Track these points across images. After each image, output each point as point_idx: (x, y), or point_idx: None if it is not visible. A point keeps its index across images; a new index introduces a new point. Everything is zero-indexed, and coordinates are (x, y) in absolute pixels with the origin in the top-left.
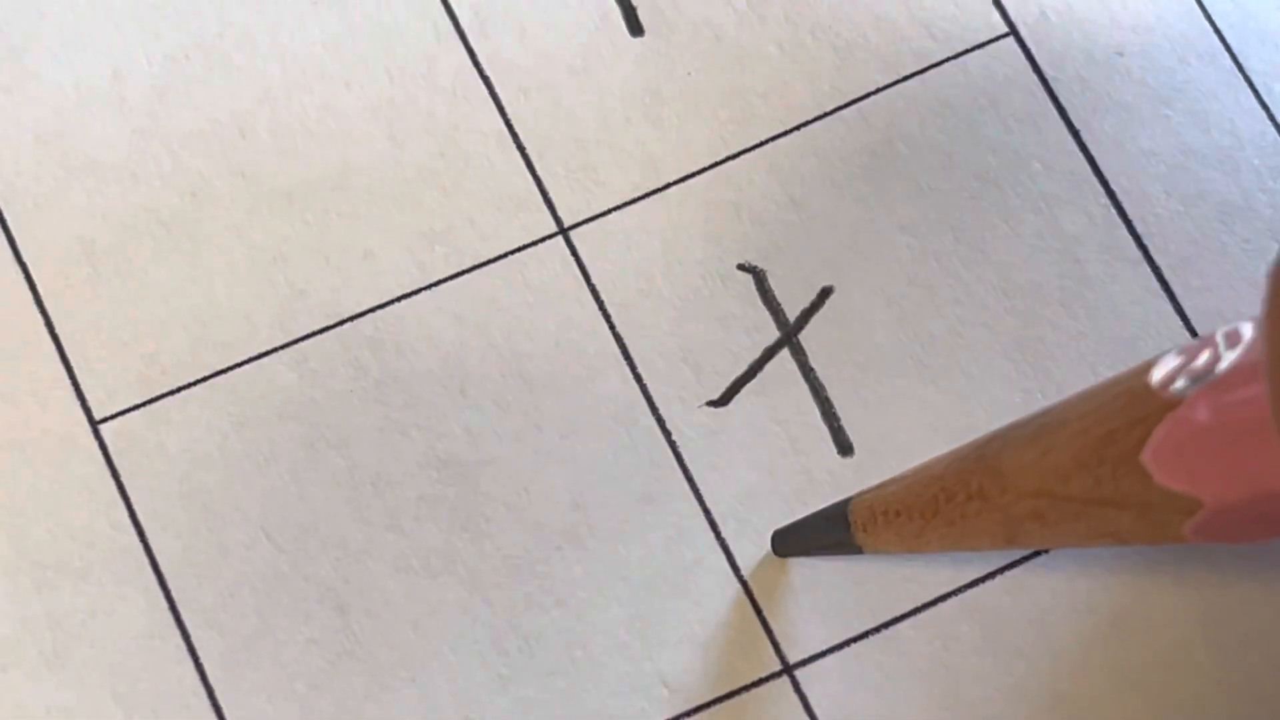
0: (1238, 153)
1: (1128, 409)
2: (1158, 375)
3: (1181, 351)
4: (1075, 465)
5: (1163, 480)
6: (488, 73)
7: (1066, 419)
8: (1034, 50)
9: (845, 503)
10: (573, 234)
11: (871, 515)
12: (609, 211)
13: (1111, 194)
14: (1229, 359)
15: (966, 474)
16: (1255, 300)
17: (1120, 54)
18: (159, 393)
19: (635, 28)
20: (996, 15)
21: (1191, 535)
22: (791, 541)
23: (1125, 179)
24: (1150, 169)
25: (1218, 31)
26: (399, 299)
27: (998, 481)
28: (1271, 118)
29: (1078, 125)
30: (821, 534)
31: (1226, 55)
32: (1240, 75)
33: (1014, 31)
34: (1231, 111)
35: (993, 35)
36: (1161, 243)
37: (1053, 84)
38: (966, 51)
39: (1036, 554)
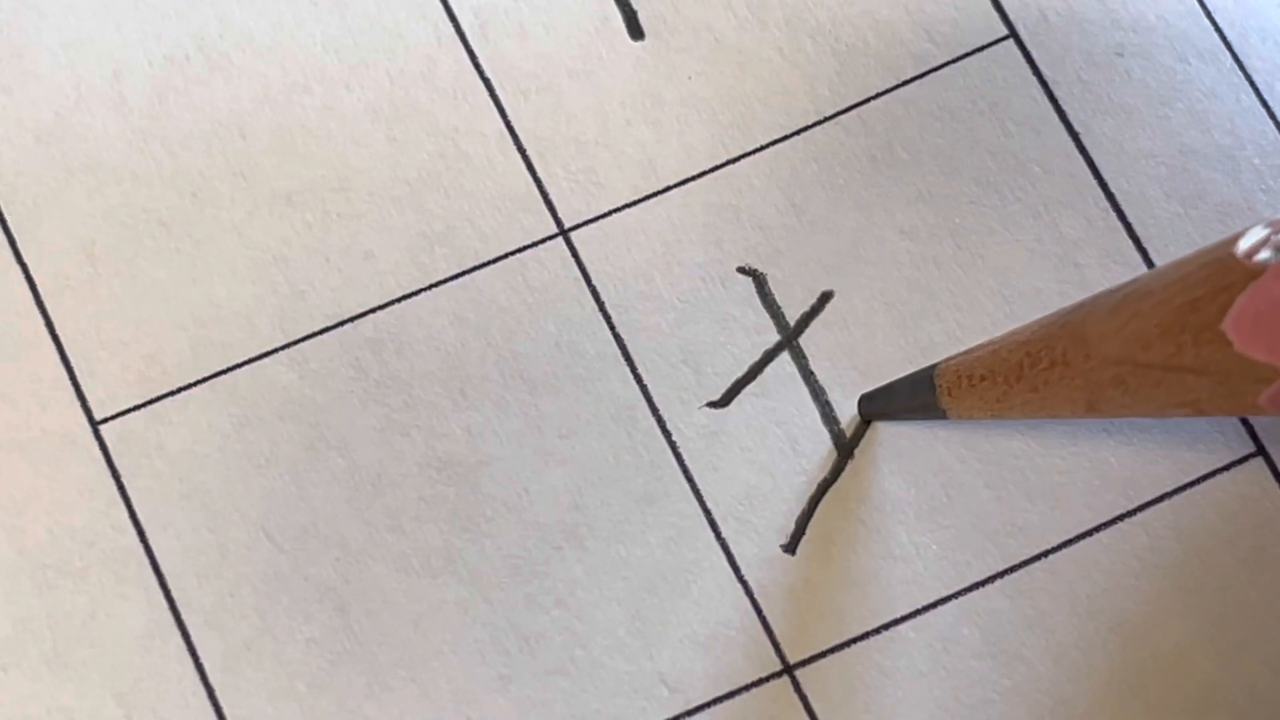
0: (1238, 152)
1: (1212, 278)
2: (1244, 245)
3: (1269, 224)
4: (1158, 332)
5: (1242, 348)
6: (488, 75)
7: (1152, 287)
8: (1034, 53)
9: (931, 368)
10: (573, 235)
11: (957, 379)
12: (609, 213)
13: (1111, 197)
14: None
15: (1051, 339)
16: None
17: (1120, 54)
18: (159, 393)
19: (636, 31)
20: (996, 18)
21: (1268, 404)
22: (879, 404)
23: (1125, 181)
24: (1150, 171)
25: (1218, 29)
26: (399, 299)
27: (1081, 348)
28: (1272, 116)
29: (1078, 128)
30: (908, 397)
31: (1227, 54)
32: (1241, 74)
33: (1014, 34)
34: (1232, 110)
35: (993, 38)
36: (1161, 245)
37: (1052, 86)
38: (966, 55)
39: (1036, 558)
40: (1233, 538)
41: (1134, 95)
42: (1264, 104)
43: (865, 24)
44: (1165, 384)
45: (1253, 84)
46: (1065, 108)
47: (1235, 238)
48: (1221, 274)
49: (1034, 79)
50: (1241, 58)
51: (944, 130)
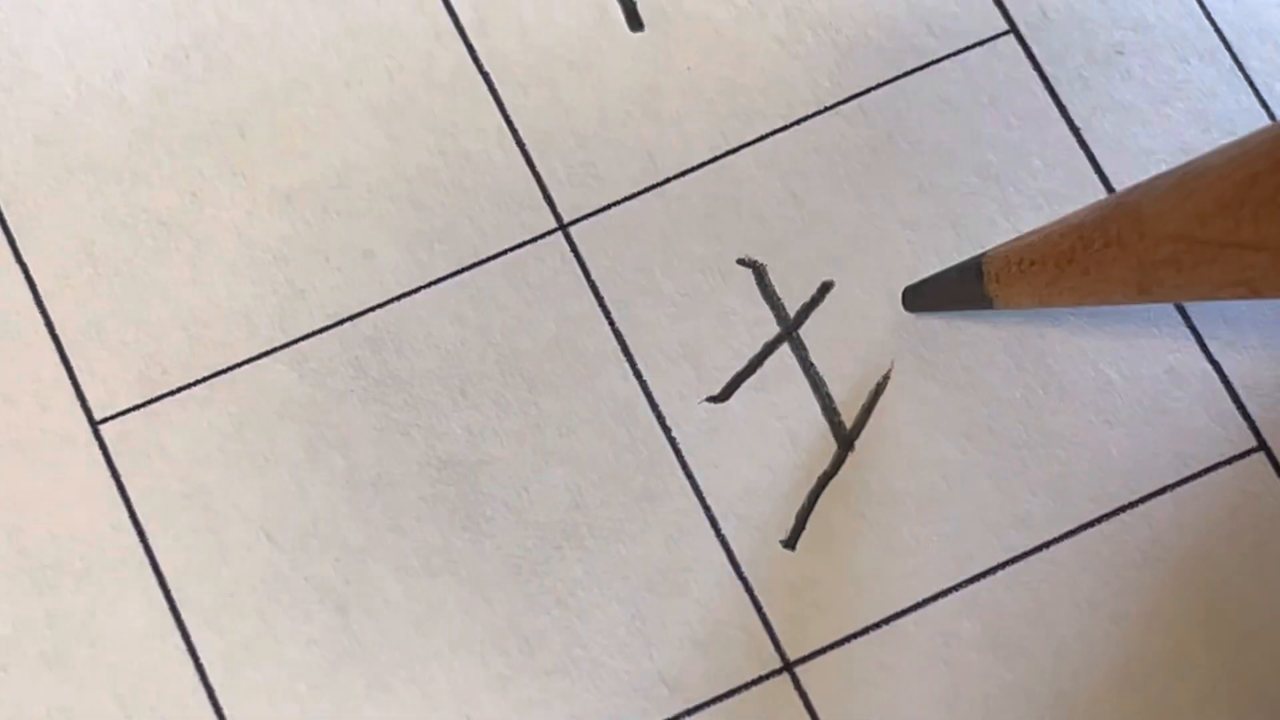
0: None
1: (1274, 151)
2: None
3: None
4: (1216, 207)
5: None
6: (487, 69)
7: (1211, 164)
8: (1034, 48)
9: (979, 256)
10: (572, 230)
11: (1006, 265)
12: (608, 207)
13: (1112, 192)
14: None
15: (1105, 220)
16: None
17: (1120, 52)
18: (159, 393)
19: (635, 23)
20: (996, 13)
21: None
22: (924, 295)
23: (1125, 177)
24: (1150, 168)
25: (1217, 29)
26: (399, 298)
27: (1136, 226)
28: (1271, 116)
29: (1078, 123)
30: (954, 287)
31: (1226, 53)
32: (1240, 73)
33: (1014, 29)
34: (1231, 110)
35: (993, 33)
36: None
37: (1053, 82)
38: (967, 48)
39: (1037, 550)
40: (1234, 531)
41: (1134, 93)
42: (1263, 104)
43: (865, 16)
44: (1221, 261)
45: (1252, 84)
46: (1065, 103)
47: None
48: None
49: (1034, 74)
50: (1241, 58)
51: (945, 122)
